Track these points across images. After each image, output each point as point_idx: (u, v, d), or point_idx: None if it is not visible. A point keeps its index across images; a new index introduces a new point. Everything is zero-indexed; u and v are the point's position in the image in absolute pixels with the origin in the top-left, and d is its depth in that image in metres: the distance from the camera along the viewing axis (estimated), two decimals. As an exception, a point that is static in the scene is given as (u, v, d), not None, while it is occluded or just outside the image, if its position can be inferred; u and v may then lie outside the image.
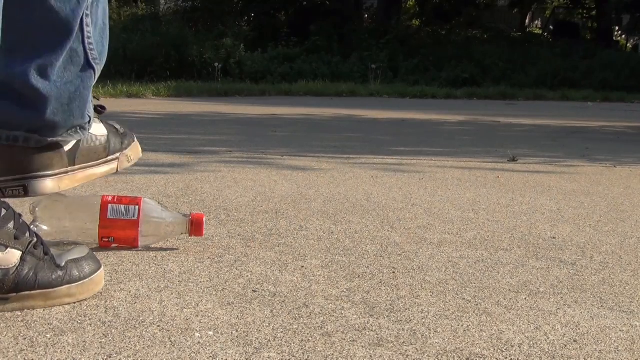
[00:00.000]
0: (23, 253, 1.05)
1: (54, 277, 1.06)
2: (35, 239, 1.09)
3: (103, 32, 1.27)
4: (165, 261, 1.33)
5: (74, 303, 1.08)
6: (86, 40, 1.22)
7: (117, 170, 1.40)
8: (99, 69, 1.27)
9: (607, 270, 1.41)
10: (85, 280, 1.09)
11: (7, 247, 1.04)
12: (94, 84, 1.28)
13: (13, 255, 1.04)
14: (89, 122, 1.31)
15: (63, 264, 1.09)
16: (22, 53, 1.17)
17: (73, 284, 1.08)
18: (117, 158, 1.39)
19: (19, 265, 1.04)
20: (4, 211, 1.05)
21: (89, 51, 1.23)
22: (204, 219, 1.40)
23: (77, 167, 1.31)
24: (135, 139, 1.46)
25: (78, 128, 1.28)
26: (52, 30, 1.17)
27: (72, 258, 1.10)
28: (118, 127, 1.42)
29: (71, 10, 1.17)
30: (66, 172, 1.28)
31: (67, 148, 1.28)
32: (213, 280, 1.22)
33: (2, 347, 0.91)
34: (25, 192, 1.24)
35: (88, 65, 1.24)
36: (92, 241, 1.36)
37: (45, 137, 1.23)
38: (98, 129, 1.36)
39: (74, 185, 1.31)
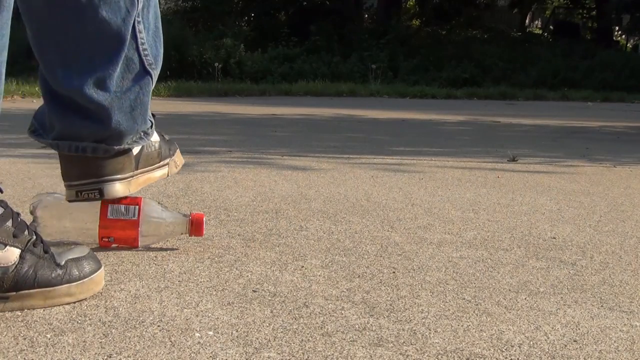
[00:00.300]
0: (22, 251, 1.05)
1: (53, 275, 1.06)
2: (35, 237, 1.09)
3: (156, 35, 1.29)
4: (165, 261, 1.33)
5: (74, 303, 1.08)
6: (140, 47, 1.24)
7: (168, 175, 1.45)
8: (155, 73, 1.29)
9: (607, 270, 1.41)
10: (85, 280, 1.09)
11: (5, 245, 1.04)
12: (152, 88, 1.30)
13: (12, 253, 1.04)
14: (152, 126, 1.36)
15: (63, 262, 1.09)
16: (80, 67, 1.19)
17: (73, 283, 1.08)
18: (167, 164, 1.44)
19: (18, 263, 1.04)
20: (1, 209, 1.06)
21: (144, 57, 1.25)
22: (204, 219, 1.40)
23: (139, 171, 1.36)
24: (177, 147, 1.50)
25: (142, 134, 1.32)
26: (106, 42, 1.19)
27: (72, 257, 1.10)
28: (164, 134, 1.46)
29: (122, 19, 1.19)
30: (132, 176, 1.33)
31: (134, 152, 1.33)
32: (213, 280, 1.22)
33: (2, 347, 0.91)
34: (101, 194, 1.28)
35: (145, 72, 1.26)
36: (92, 241, 1.36)
37: (112, 146, 1.27)
38: (153, 136, 1.40)
39: (137, 189, 1.36)
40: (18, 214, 1.09)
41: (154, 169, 1.40)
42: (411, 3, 19.68)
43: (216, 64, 11.29)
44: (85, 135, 1.24)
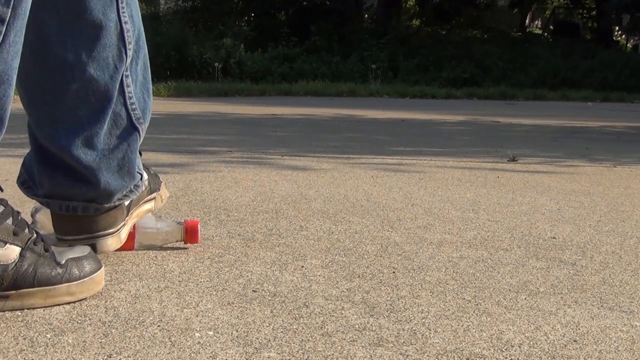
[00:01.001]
0: (22, 249, 1.05)
1: (53, 274, 1.06)
2: (35, 236, 1.09)
3: (144, 86, 1.28)
4: (165, 261, 1.33)
5: (74, 302, 1.08)
6: (128, 102, 1.23)
7: (154, 210, 1.45)
8: (143, 128, 1.28)
9: (607, 270, 1.41)
10: (85, 279, 1.09)
11: (5, 243, 1.04)
12: (139, 144, 1.29)
13: (12, 251, 1.04)
14: (141, 178, 1.35)
15: (63, 261, 1.08)
16: (67, 124, 1.18)
17: (73, 282, 1.08)
18: (154, 198, 1.44)
19: (17, 261, 1.04)
20: (2, 207, 1.06)
21: (131, 112, 1.24)
22: (198, 225, 1.40)
23: (130, 213, 1.35)
24: (162, 180, 1.50)
25: (133, 187, 1.31)
26: (94, 99, 1.18)
27: (72, 256, 1.10)
28: (149, 168, 1.45)
29: (109, 76, 1.18)
30: (124, 224, 1.32)
31: (126, 203, 1.32)
32: (213, 280, 1.22)
33: (2, 347, 0.91)
34: (94, 250, 1.26)
35: (132, 127, 1.25)
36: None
37: (102, 205, 1.26)
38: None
39: (128, 232, 1.35)
40: (18, 212, 1.09)
41: (142, 203, 1.39)
42: (411, 3, 19.68)
43: (216, 64, 11.30)
44: (74, 195, 1.24)
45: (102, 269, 1.13)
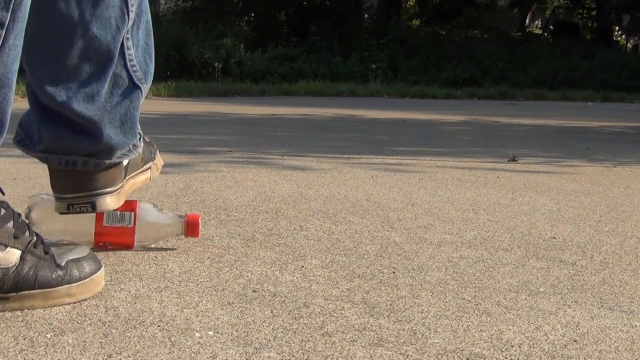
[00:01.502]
0: (23, 252, 1.05)
1: (53, 276, 1.06)
2: (35, 238, 1.09)
3: (146, 51, 1.29)
4: (165, 261, 1.33)
5: (74, 303, 1.08)
6: (128, 64, 1.24)
7: (150, 180, 1.44)
8: (145, 87, 1.29)
9: (607, 270, 1.41)
10: (85, 280, 1.09)
11: (6, 247, 1.04)
12: (142, 102, 1.30)
13: (13, 255, 1.04)
14: (140, 139, 1.35)
15: (63, 263, 1.08)
16: (68, 83, 1.19)
17: (73, 284, 1.08)
18: (150, 167, 1.44)
19: (18, 264, 1.04)
20: (3, 210, 1.06)
21: (132, 73, 1.25)
22: (200, 219, 1.40)
23: (126, 179, 1.34)
24: (157, 148, 1.50)
25: (132, 146, 1.31)
26: (95, 58, 1.19)
27: (72, 258, 1.10)
28: (144, 136, 1.45)
29: (112, 36, 1.19)
30: (122, 186, 1.32)
31: (124, 163, 1.32)
32: (213, 280, 1.22)
33: (2, 347, 0.91)
34: (93, 208, 1.27)
35: (134, 86, 1.26)
36: (88, 240, 1.36)
37: (103, 160, 1.26)
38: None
39: (124, 198, 1.34)
40: (19, 214, 1.09)
41: (137, 174, 1.39)
42: (411, 3, 19.68)
43: (216, 64, 11.29)
44: (75, 149, 1.23)
45: (102, 269, 1.13)
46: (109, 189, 1.28)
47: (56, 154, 1.24)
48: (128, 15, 1.20)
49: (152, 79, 1.31)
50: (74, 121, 1.20)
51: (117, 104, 1.24)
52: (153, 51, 1.31)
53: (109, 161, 1.27)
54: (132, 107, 1.26)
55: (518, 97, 10.74)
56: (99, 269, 1.12)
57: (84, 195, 1.25)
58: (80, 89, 1.19)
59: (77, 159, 1.24)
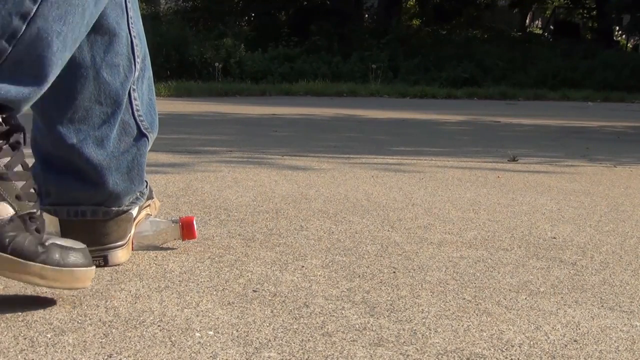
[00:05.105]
0: (15, 214, 1.00)
1: (31, 248, 0.99)
2: (36, 214, 1.04)
3: (150, 106, 1.33)
4: (165, 261, 1.33)
5: (46, 288, 1.04)
6: (135, 113, 1.28)
7: (149, 215, 1.45)
8: (152, 136, 1.32)
9: (607, 270, 1.41)
10: (63, 269, 1.01)
11: (3, 199, 1.00)
12: (148, 150, 1.32)
13: (4, 210, 1.00)
14: (146, 186, 1.37)
15: (47, 243, 1.02)
16: (79, 125, 1.22)
17: (48, 266, 1.00)
18: (149, 205, 1.45)
19: (3, 222, 0.99)
20: (21, 170, 1.03)
21: (139, 122, 1.28)
22: (194, 221, 1.40)
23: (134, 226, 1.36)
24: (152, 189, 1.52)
25: (139, 194, 1.33)
26: (104, 102, 1.23)
27: (60, 243, 1.03)
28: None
29: (120, 83, 1.24)
30: (131, 236, 1.34)
31: (134, 213, 1.33)
32: (213, 280, 1.22)
33: (2, 347, 0.91)
34: (105, 262, 1.27)
35: (141, 134, 1.29)
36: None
37: (111, 208, 1.27)
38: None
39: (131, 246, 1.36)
40: (39, 193, 1.07)
41: (140, 210, 1.40)
42: (411, 3, 19.68)
43: (216, 64, 11.30)
44: (82, 198, 1.24)
45: (90, 268, 1.06)
46: (120, 243, 1.29)
47: (64, 206, 1.25)
48: (135, 65, 1.25)
49: (157, 129, 1.34)
50: (80, 168, 1.22)
51: (125, 151, 1.26)
52: (156, 107, 1.35)
53: (117, 208, 1.28)
54: (139, 154, 1.28)
55: (518, 97, 10.74)
56: (85, 266, 1.05)
57: (96, 250, 1.25)
58: (90, 132, 1.22)
59: (85, 209, 1.25)
